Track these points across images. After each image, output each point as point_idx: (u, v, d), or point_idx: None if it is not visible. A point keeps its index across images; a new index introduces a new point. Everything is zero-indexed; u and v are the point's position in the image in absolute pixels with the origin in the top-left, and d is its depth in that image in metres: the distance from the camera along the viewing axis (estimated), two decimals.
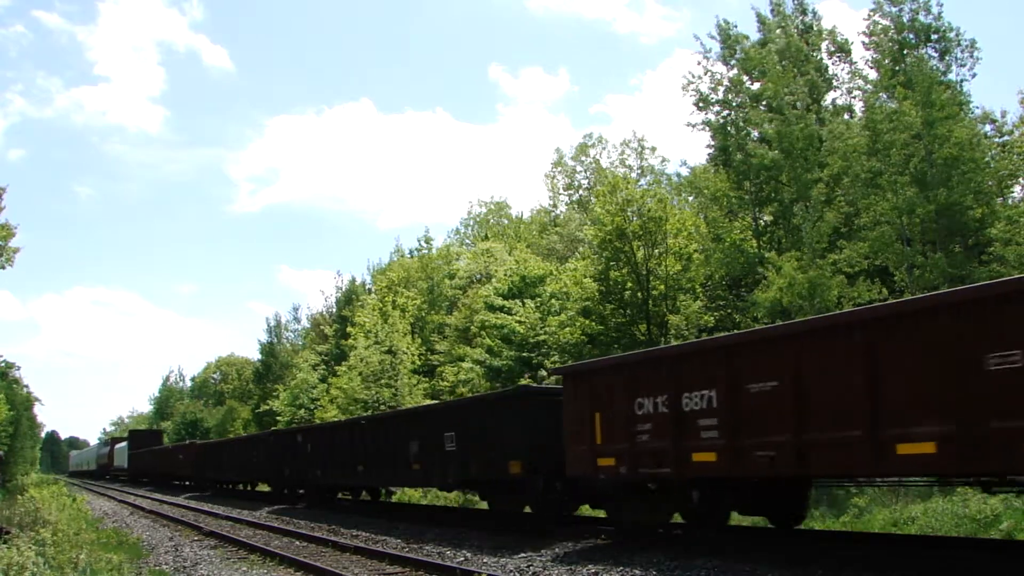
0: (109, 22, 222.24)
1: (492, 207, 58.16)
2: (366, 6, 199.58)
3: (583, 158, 52.59)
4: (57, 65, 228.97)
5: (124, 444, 66.04)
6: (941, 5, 25.89)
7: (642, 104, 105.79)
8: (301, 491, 26.34)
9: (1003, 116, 24.38)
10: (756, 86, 27.51)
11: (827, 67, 30.31)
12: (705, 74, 28.06)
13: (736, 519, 15.74)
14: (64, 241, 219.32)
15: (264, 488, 33.27)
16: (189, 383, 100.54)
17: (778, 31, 29.52)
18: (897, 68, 23.91)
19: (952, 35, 25.34)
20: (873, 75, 27.25)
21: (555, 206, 54.25)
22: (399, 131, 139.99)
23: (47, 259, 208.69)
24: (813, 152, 24.02)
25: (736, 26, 28.74)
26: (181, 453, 43.77)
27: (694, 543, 11.20)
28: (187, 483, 44.72)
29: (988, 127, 23.99)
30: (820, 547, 10.47)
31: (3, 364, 51.35)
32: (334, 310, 55.26)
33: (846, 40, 30.30)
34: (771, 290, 20.71)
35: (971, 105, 24.82)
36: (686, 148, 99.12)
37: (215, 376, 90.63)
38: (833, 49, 30.78)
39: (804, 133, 23.48)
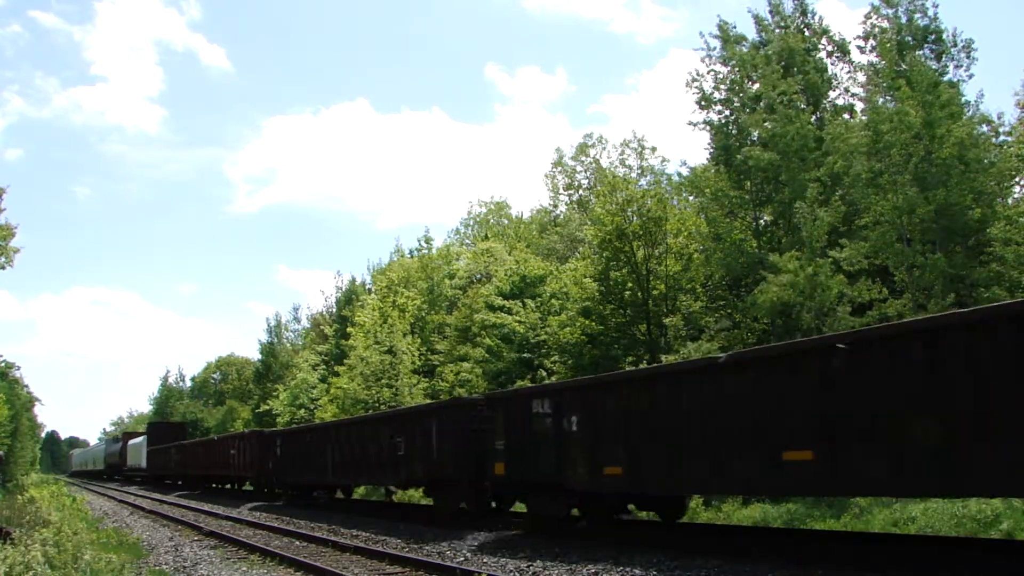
0: (106, 22, 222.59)
1: (492, 207, 58.19)
2: (362, 5, 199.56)
3: (583, 158, 52.60)
4: (55, 65, 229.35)
5: (141, 439, 56.28)
6: (937, 6, 25.90)
7: (639, 104, 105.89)
8: (495, 505, 16.90)
9: (999, 118, 24.37)
10: (755, 87, 27.49)
11: (827, 67, 30.28)
12: (707, 72, 28.05)
13: (738, 518, 15.73)
14: (63, 241, 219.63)
15: (350, 494, 27.13)
16: (189, 383, 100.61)
17: (776, 32, 29.49)
18: (897, 69, 23.90)
19: (947, 36, 25.35)
20: (871, 76, 27.25)
21: (555, 206, 54.27)
22: (396, 131, 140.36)
23: (45, 259, 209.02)
24: (809, 151, 24.02)
25: (735, 26, 28.71)
26: (234, 446, 33.18)
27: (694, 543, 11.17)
28: (233, 486, 35.92)
29: (984, 128, 23.98)
30: (820, 547, 10.46)
31: (3, 364, 51.24)
32: (334, 310, 55.29)
33: (844, 40, 30.30)
34: (770, 291, 20.70)
35: (969, 104, 24.82)
36: (684, 148, 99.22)
37: (215, 376, 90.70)
38: (832, 49, 30.77)
39: (799, 133, 23.48)
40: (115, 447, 66.88)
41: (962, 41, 25.14)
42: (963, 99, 23.71)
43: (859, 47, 28.33)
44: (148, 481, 52.33)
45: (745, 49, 27.97)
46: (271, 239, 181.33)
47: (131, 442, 59.65)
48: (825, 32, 30.84)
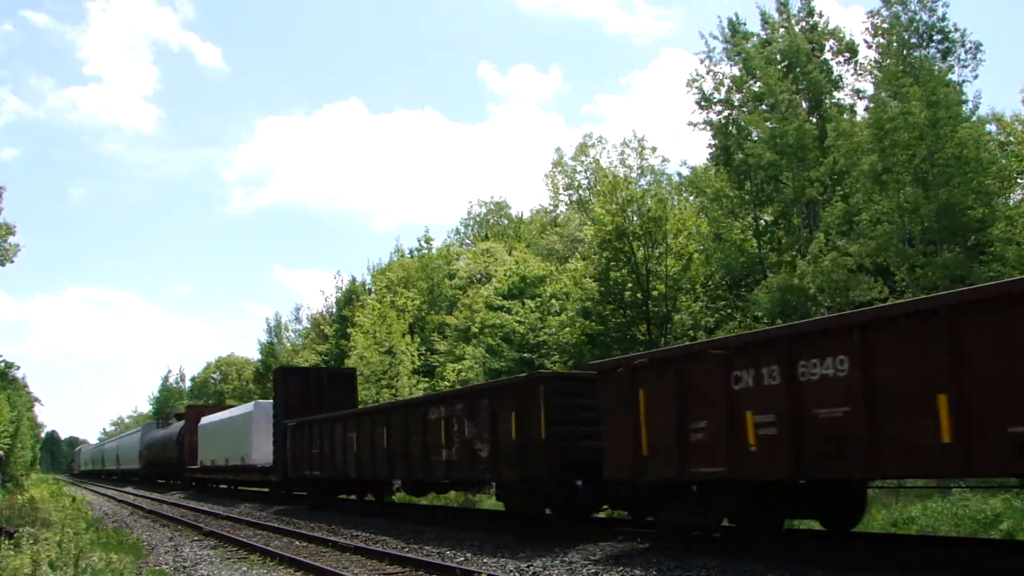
0: (99, 21, 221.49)
1: (492, 207, 58.25)
2: (355, 4, 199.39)
3: (583, 158, 52.65)
4: (49, 65, 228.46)
5: (249, 409, 29.27)
6: (947, 6, 25.87)
7: (634, 104, 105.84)
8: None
9: (1012, 119, 24.32)
10: (757, 86, 27.51)
11: (832, 68, 30.30)
12: (708, 73, 28.08)
13: None
14: (59, 241, 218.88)
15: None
16: (189, 383, 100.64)
17: (781, 30, 29.52)
18: (901, 68, 23.92)
19: (955, 35, 25.36)
20: (877, 74, 27.25)
21: (555, 206, 54.31)
22: (390, 131, 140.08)
23: (42, 259, 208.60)
24: (808, 150, 24.01)
25: (744, 23, 28.75)
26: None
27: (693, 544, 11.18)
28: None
29: (993, 127, 23.97)
30: (820, 547, 10.46)
31: (3, 364, 51.16)
32: (334, 310, 55.32)
33: (851, 41, 30.29)
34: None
35: (971, 104, 24.82)
36: (679, 148, 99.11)
37: (215, 376, 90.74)
38: (838, 49, 30.78)
39: (798, 132, 23.46)
40: (161, 433, 43.55)
41: (971, 43, 25.18)
42: (963, 99, 23.73)
43: (866, 41, 28.38)
44: (290, 494, 25.90)
45: (751, 45, 27.98)
46: (267, 239, 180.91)
47: (208, 420, 34.00)
48: (833, 33, 30.86)
